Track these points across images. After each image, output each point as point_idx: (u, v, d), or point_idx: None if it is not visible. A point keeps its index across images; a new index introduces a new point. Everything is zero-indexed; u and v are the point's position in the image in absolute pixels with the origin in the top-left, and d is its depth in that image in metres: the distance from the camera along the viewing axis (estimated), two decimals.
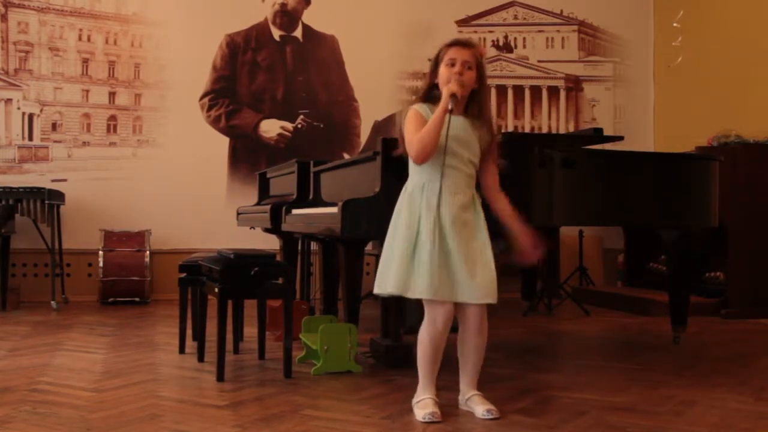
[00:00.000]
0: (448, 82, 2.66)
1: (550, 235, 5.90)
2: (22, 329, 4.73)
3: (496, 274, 2.66)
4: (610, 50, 7.55)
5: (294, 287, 3.92)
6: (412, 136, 2.66)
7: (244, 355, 3.84)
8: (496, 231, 2.75)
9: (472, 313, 2.69)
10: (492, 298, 2.64)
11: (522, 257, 2.72)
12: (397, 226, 2.69)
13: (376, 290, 2.70)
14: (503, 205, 2.77)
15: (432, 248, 2.59)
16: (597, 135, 4.06)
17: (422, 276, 2.59)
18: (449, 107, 2.59)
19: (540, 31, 7.44)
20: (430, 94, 2.77)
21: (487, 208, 2.75)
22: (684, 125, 6.92)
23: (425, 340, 2.69)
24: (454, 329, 2.78)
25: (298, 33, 6.91)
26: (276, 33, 6.86)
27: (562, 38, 7.47)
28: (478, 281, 2.62)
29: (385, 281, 2.66)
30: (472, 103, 2.72)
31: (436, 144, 2.62)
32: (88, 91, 6.49)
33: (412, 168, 2.73)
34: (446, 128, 2.61)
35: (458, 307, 2.69)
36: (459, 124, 2.67)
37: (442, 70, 2.70)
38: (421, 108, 2.74)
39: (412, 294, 2.61)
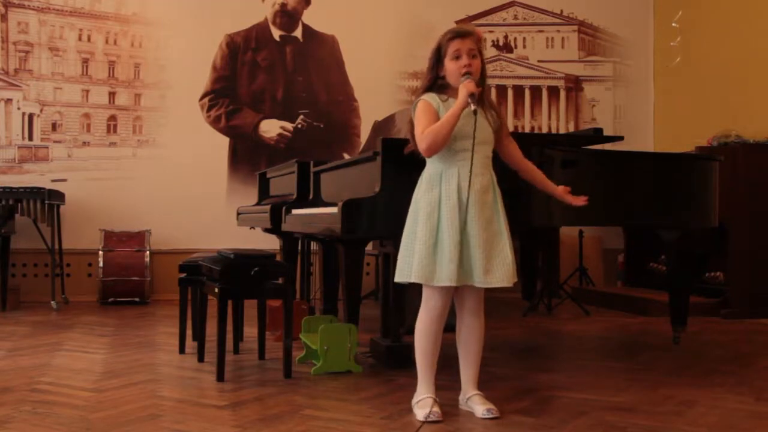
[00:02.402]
0: (459, 75, 2.66)
1: (550, 235, 5.93)
2: (22, 329, 4.73)
3: (511, 258, 2.68)
4: (610, 50, 7.55)
5: (294, 287, 3.93)
6: (423, 128, 2.65)
7: (244, 355, 3.84)
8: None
9: (471, 294, 2.71)
10: (506, 282, 2.66)
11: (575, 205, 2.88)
12: (417, 214, 2.68)
13: (398, 278, 2.70)
14: (534, 173, 2.88)
15: (454, 234, 2.60)
16: (597, 135, 4.06)
17: (445, 264, 2.59)
18: (473, 108, 2.58)
19: (540, 31, 7.44)
20: (434, 86, 2.77)
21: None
22: (684, 125, 6.91)
23: (424, 326, 2.70)
24: (451, 329, 2.79)
25: (298, 33, 6.91)
26: (276, 33, 6.86)
27: (562, 38, 7.47)
28: (493, 265, 2.64)
29: (408, 270, 2.66)
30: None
31: (448, 140, 2.63)
32: (88, 91, 6.49)
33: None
34: (473, 126, 2.61)
35: (457, 292, 2.71)
36: (471, 109, 2.65)
37: (450, 65, 2.70)
38: (430, 98, 2.73)
39: (437, 282, 2.62)
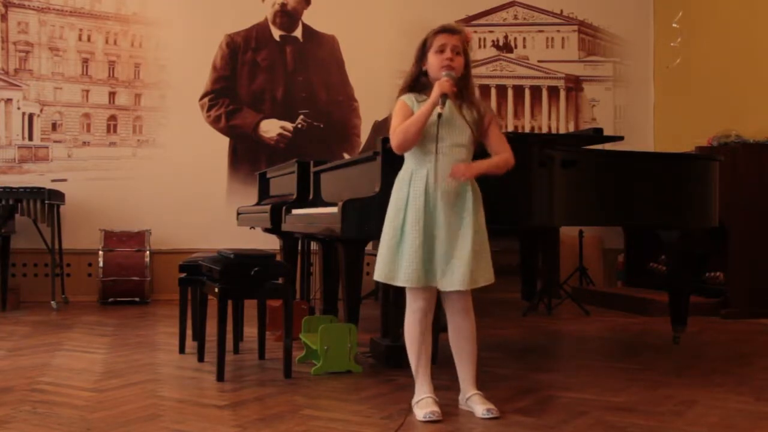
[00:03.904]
0: (440, 69, 2.67)
1: (550, 235, 5.93)
2: (22, 329, 4.73)
3: (478, 260, 2.64)
4: (610, 50, 7.54)
5: (294, 287, 3.92)
6: (396, 126, 2.68)
7: (244, 355, 3.85)
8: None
9: (455, 296, 2.71)
10: (466, 285, 2.63)
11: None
12: (389, 212, 2.72)
13: (375, 277, 2.74)
14: (495, 157, 2.74)
15: (416, 237, 2.61)
16: (597, 135, 4.06)
17: (405, 265, 2.62)
18: (440, 110, 2.59)
19: (540, 31, 7.44)
20: (417, 82, 2.77)
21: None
22: (684, 125, 6.91)
23: (410, 328, 2.72)
24: (444, 329, 2.79)
25: (298, 33, 6.91)
26: (276, 33, 6.87)
27: (562, 38, 7.47)
28: (455, 268, 2.63)
29: (376, 268, 2.70)
30: (459, 86, 2.70)
31: (418, 137, 2.64)
32: (88, 91, 6.49)
33: (406, 155, 2.75)
34: (436, 127, 2.61)
35: (442, 293, 2.71)
36: (447, 110, 2.65)
37: (432, 58, 2.71)
38: (407, 99, 2.75)
39: (396, 282, 2.65)
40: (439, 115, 2.59)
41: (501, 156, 2.74)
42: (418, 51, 2.77)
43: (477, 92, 2.83)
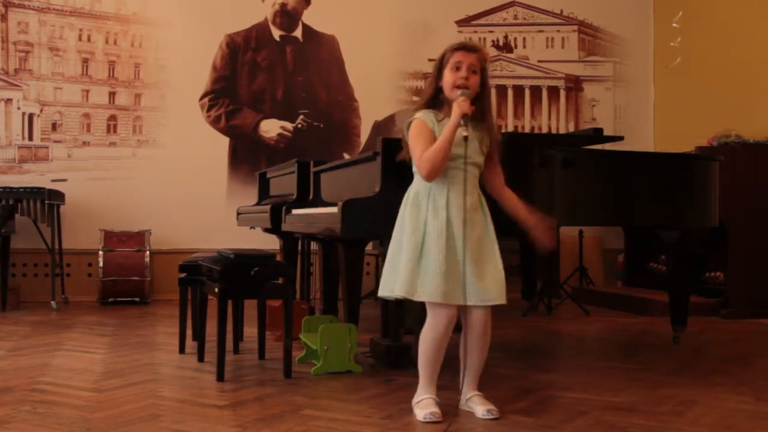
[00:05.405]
0: (453, 86, 2.64)
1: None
2: (22, 329, 4.73)
3: (504, 275, 2.66)
4: (610, 50, 7.55)
5: (294, 287, 3.92)
6: (421, 153, 2.62)
7: (244, 355, 3.85)
8: (506, 230, 2.76)
9: (478, 314, 2.68)
10: (501, 299, 2.64)
11: (540, 248, 2.73)
12: (402, 231, 2.67)
13: (381, 293, 2.69)
14: (513, 201, 2.77)
15: (439, 252, 2.57)
16: (597, 135, 4.06)
17: (429, 280, 2.57)
18: (464, 133, 2.56)
19: (540, 31, 7.44)
20: (435, 99, 2.74)
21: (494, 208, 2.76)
22: (684, 125, 6.91)
23: (427, 342, 2.67)
24: (457, 328, 2.78)
25: (298, 33, 6.91)
26: (276, 33, 6.87)
27: (562, 38, 7.47)
28: (487, 283, 2.62)
29: (392, 285, 2.64)
30: (475, 106, 2.67)
31: (446, 163, 2.60)
32: (88, 91, 6.49)
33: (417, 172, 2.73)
34: (464, 148, 2.60)
35: (463, 309, 2.68)
36: (462, 134, 2.63)
37: (447, 75, 2.67)
38: (425, 116, 2.70)
39: (419, 297, 2.60)
40: (465, 138, 2.56)
41: (514, 198, 2.77)
42: (435, 67, 2.73)
43: (493, 110, 2.80)
